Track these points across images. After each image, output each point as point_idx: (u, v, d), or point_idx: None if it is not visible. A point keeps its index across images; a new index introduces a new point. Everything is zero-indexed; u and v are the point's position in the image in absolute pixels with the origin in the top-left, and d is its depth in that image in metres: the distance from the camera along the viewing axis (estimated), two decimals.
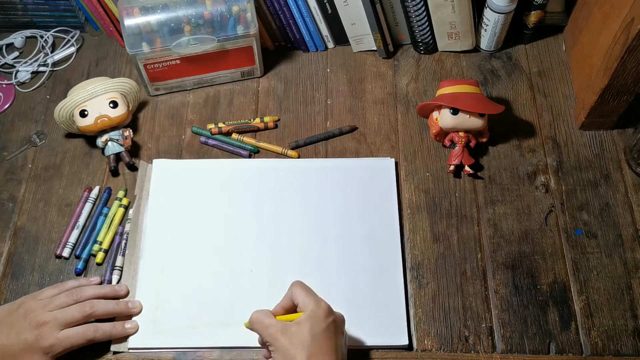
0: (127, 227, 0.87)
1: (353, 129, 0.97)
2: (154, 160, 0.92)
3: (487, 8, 0.96)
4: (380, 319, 0.79)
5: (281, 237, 0.86)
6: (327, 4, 0.97)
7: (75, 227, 0.87)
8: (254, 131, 0.96)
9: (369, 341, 0.78)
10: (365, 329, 0.79)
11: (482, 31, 1.00)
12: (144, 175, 0.91)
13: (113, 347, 0.78)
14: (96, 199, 0.90)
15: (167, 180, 0.90)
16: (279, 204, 0.88)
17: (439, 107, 0.91)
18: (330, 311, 0.70)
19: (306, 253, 0.84)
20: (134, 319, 0.80)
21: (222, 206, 0.88)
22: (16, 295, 0.82)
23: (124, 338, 0.78)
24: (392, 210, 0.87)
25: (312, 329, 0.68)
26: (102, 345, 0.78)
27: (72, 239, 0.87)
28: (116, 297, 0.81)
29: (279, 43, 1.05)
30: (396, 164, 0.92)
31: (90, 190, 0.90)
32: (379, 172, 0.90)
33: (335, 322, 0.70)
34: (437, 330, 0.80)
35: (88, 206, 0.89)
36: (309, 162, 0.93)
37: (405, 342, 0.78)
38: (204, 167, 0.92)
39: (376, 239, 0.85)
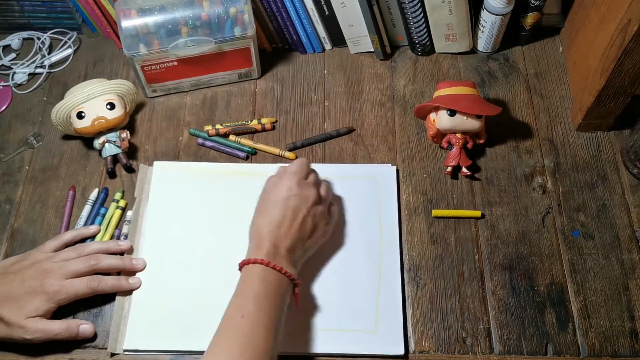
0: (125, 229, 0.87)
1: (350, 130, 0.97)
2: (155, 163, 0.92)
3: (484, 10, 0.96)
4: (377, 327, 0.79)
5: None
6: (324, 5, 0.97)
7: (75, 228, 0.87)
8: (251, 133, 0.96)
9: (365, 349, 0.78)
10: (361, 337, 0.78)
11: (479, 33, 1.00)
12: (144, 178, 0.91)
13: (110, 348, 0.78)
14: (95, 201, 0.89)
15: (167, 182, 0.90)
16: None
17: (436, 109, 0.91)
18: (288, 188, 0.78)
19: None
20: (137, 275, 0.82)
21: (221, 209, 0.88)
22: None
23: (122, 336, 0.79)
24: (392, 218, 0.87)
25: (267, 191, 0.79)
26: (98, 347, 0.78)
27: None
28: (120, 253, 0.83)
29: (277, 45, 1.05)
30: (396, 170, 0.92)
31: (74, 189, 0.90)
32: (379, 179, 0.90)
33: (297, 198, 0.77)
34: (434, 331, 0.80)
35: (87, 208, 0.89)
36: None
37: (401, 351, 0.78)
38: (205, 169, 0.91)
39: (374, 247, 0.84)
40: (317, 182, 0.83)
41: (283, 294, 0.72)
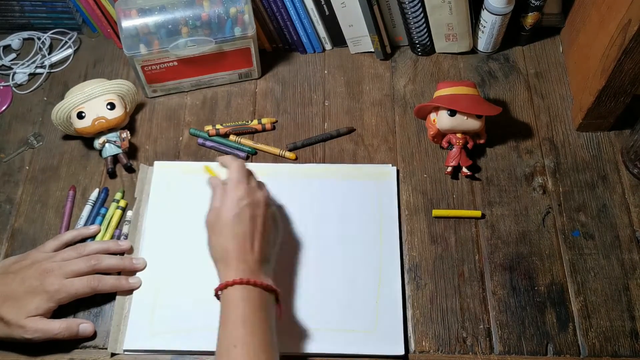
0: (125, 229, 0.87)
1: (351, 130, 0.97)
2: (155, 163, 0.92)
3: (485, 10, 0.96)
4: (377, 327, 0.79)
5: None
6: (324, 5, 0.97)
7: (75, 228, 0.87)
8: (251, 133, 0.96)
9: (365, 349, 0.78)
10: (361, 337, 0.78)
11: (480, 33, 1.00)
12: (145, 178, 0.91)
13: (110, 348, 0.78)
14: (95, 201, 0.89)
15: (167, 182, 0.90)
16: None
17: (437, 109, 0.91)
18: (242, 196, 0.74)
19: (304, 257, 0.84)
20: (137, 274, 0.82)
21: None
22: None
23: (122, 335, 0.79)
24: (392, 218, 0.87)
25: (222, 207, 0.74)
26: (99, 347, 0.78)
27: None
28: (120, 253, 0.83)
29: (277, 45, 1.05)
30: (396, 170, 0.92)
31: (75, 189, 0.90)
32: (379, 179, 0.90)
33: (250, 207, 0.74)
34: (434, 331, 0.80)
35: (87, 208, 0.89)
36: (310, 167, 0.92)
37: (401, 351, 0.78)
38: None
39: (375, 247, 0.84)
40: (261, 183, 0.80)
41: (269, 309, 0.69)
